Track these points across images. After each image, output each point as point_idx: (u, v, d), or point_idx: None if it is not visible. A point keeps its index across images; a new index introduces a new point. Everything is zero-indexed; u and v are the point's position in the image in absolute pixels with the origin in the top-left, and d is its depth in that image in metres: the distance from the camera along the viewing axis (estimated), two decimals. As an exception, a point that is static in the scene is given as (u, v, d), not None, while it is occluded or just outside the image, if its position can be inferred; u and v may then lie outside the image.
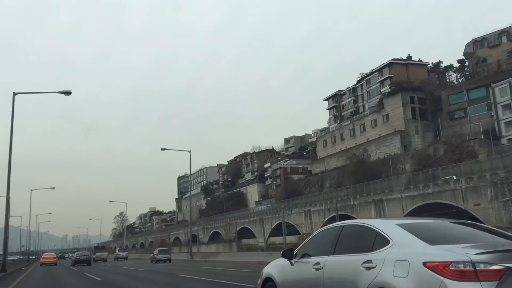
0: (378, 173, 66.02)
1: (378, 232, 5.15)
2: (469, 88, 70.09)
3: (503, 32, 75.45)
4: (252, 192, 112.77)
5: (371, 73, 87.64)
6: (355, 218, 36.66)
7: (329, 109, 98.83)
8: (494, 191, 41.35)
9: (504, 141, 62.57)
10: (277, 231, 64.53)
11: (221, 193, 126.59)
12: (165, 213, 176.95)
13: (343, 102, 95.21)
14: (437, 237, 4.78)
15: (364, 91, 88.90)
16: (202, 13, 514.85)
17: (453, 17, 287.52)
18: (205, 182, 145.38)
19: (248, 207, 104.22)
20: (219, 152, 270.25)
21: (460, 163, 52.96)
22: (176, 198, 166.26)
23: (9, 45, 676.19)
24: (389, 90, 79.62)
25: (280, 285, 6.55)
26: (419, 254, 4.45)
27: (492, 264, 4.04)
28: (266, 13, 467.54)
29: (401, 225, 5.10)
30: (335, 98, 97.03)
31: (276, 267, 6.90)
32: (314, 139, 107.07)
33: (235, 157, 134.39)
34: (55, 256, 54.23)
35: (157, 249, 53.68)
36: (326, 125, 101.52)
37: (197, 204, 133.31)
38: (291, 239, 57.18)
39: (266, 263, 7.58)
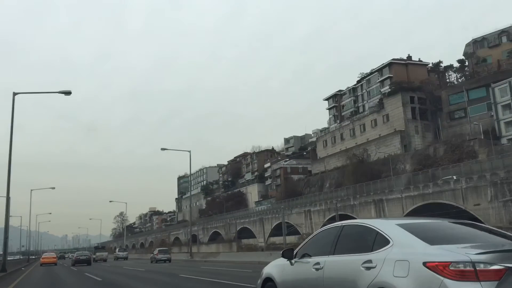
0: (378, 173, 66.02)
1: (378, 232, 5.15)
2: (469, 88, 70.09)
3: (503, 32, 75.44)
4: (252, 192, 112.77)
5: (371, 73, 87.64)
6: (355, 218, 36.65)
7: (329, 109, 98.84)
8: (494, 191, 41.34)
9: (504, 141, 62.57)
10: (277, 231, 64.53)
11: (221, 193, 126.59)
12: (165, 213, 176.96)
13: (343, 102, 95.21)
14: (437, 237, 4.78)
15: (364, 91, 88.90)
16: (202, 13, 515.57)
17: (453, 17, 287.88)
18: (205, 182, 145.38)
19: (248, 207, 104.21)
20: (219, 152, 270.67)
21: (460, 163, 52.94)
22: (176, 198, 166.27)
23: (9, 45, 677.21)
24: (389, 90, 79.62)
25: (280, 285, 6.54)
26: (419, 254, 4.45)
27: (492, 264, 4.04)
28: (266, 13, 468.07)
29: (401, 225, 5.10)
30: (335, 98, 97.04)
31: (276, 267, 6.90)
32: (314, 139, 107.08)
33: (235, 157, 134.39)
34: (55, 256, 54.21)
35: (157, 249, 53.66)
36: (326, 125, 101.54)
37: (197, 204, 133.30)
38: (291, 239, 57.18)
39: (266, 263, 7.57)
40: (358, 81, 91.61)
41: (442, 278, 4.10)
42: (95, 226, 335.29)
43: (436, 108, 75.30)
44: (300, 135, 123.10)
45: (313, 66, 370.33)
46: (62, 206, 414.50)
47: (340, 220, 17.65)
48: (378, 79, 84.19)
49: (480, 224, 5.83)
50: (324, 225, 39.77)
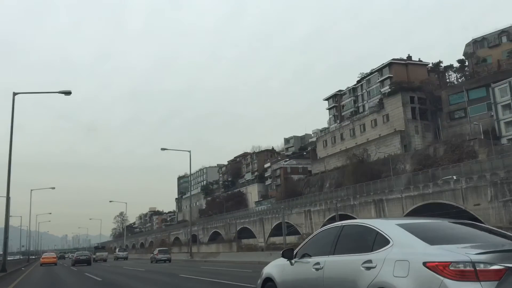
0: (378, 173, 66.01)
1: (378, 232, 5.15)
2: (469, 88, 70.08)
3: (503, 32, 75.44)
4: (252, 192, 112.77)
5: (371, 73, 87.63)
6: (355, 218, 36.65)
7: (329, 109, 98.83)
8: (494, 191, 41.34)
9: (504, 141, 62.57)
10: (277, 231, 64.52)
11: (221, 193, 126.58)
12: (165, 213, 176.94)
13: (343, 102, 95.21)
14: (437, 237, 4.78)
15: (364, 91, 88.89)
16: (202, 13, 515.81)
17: (453, 17, 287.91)
18: (205, 182, 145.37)
19: (248, 207, 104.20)
20: (219, 152, 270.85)
21: (460, 163, 52.94)
22: (176, 198, 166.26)
23: (9, 45, 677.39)
24: (389, 90, 79.61)
25: (280, 285, 6.54)
26: (419, 254, 4.45)
27: (492, 264, 4.04)
28: (266, 13, 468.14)
29: (401, 225, 5.10)
30: (335, 98, 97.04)
31: (276, 267, 6.90)
32: (314, 139, 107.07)
33: (235, 157, 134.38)
34: (55, 256, 54.20)
35: (157, 249, 53.66)
36: (326, 125, 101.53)
37: (197, 204, 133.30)
38: (291, 239, 57.18)
39: (266, 263, 7.57)
40: (358, 81, 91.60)
41: (442, 278, 4.10)
42: (95, 226, 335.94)
43: (436, 108, 75.30)
44: (300, 135, 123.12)
45: (313, 66, 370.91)
46: (62, 206, 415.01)
47: (340, 220, 17.65)
48: (378, 79, 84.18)
49: (480, 224, 5.83)
50: (324, 225, 39.77)
